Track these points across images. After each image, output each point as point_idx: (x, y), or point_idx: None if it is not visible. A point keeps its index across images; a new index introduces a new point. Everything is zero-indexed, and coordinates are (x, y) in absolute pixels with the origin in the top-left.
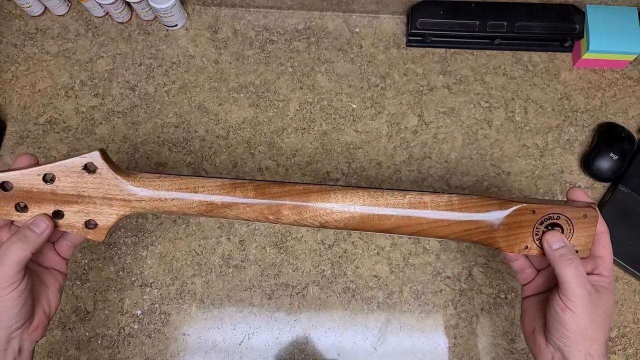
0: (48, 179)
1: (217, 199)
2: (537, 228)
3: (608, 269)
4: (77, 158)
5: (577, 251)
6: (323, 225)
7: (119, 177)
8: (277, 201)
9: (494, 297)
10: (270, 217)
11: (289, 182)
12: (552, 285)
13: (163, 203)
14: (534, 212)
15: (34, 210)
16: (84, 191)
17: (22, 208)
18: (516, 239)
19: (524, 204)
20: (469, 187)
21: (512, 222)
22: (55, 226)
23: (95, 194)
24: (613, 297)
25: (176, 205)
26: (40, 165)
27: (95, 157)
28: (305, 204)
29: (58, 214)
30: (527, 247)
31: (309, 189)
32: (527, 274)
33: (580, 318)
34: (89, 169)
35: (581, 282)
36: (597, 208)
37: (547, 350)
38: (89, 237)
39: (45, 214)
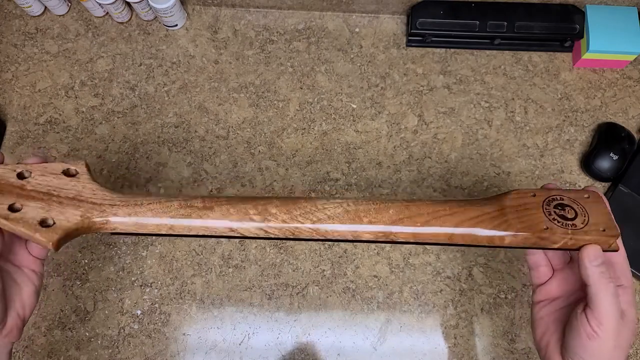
0: (23, 176)
1: (198, 201)
2: (546, 209)
3: (627, 277)
4: (60, 163)
5: (604, 230)
6: (316, 224)
7: (96, 183)
8: (264, 200)
9: (494, 297)
10: (258, 218)
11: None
12: (566, 292)
13: (139, 208)
14: (534, 195)
15: None
16: (54, 191)
17: None
18: (530, 219)
19: (521, 189)
20: (469, 187)
21: (517, 204)
22: (6, 219)
23: (64, 195)
24: (635, 313)
25: (152, 209)
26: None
27: (79, 166)
28: (293, 201)
29: (14, 209)
30: (547, 228)
31: (296, 196)
32: (541, 272)
33: (606, 344)
34: (69, 173)
35: (615, 306)
36: (595, 190)
37: None
38: (37, 235)
39: None
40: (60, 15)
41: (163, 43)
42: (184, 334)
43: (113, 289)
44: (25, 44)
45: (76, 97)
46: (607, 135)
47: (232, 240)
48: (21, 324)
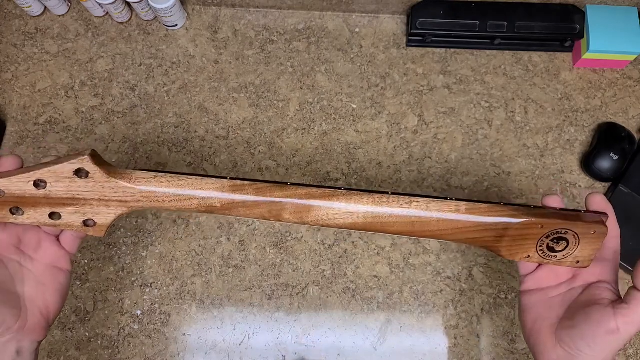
0: (39, 184)
1: (217, 202)
2: (542, 241)
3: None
4: (66, 164)
5: (578, 261)
6: (325, 226)
7: (112, 179)
8: (278, 205)
9: (494, 298)
10: (271, 219)
11: (290, 185)
12: (556, 282)
13: (160, 204)
14: (542, 226)
15: (30, 213)
16: (78, 194)
17: (17, 211)
18: (519, 249)
19: (533, 219)
20: (469, 187)
21: (519, 234)
22: (54, 226)
23: (90, 197)
24: None
25: (174, 207)
26: (28, 168)
27: (85, 162)
28: (307, 209)
29: (55, 215)
30: (528, 257)
31: (312, 194)
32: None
33: (620, 342)
34: (80, 173)
35: None
36: (605, 224)
37: (554, 351)
38: (89, 233)
39: None
40: (60, 15)
41: (163, 43)
42: (184, 334)
43: (113, 289)
44: (25, 44)
45: (76, 97)
46: (608, 136)
47: (232, 240)
48: (45, 323)
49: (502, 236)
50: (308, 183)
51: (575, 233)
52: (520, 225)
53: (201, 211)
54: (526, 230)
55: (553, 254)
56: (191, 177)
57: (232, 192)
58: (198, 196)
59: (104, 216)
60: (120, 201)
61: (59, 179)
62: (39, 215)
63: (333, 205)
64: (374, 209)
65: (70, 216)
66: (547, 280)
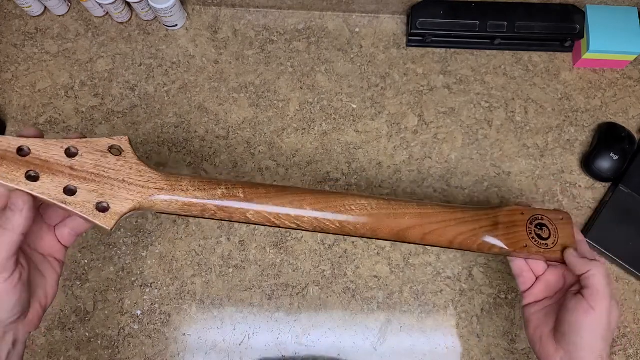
0: (70, 153)
1: (240, 192)
2: (529, 228)
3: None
4: (105, 138)
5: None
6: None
7: (142, 163)
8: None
9: (494, 298)
10: (291, 214)
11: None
12: (550, 292)
13: (184, 193)
14: (522, 213)
15: (45, 182)
16: (104, 171)
17: (32, 177)
18: (515, 237)
19: (514, 206)
20: (469, 187)
21: (508, 221)
22: (64, 203)
23: (114, 176)
24: (616, 296)
25: (197, 197)
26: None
27: (123, 141)
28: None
29: (70, 192)
30: (526, 246)
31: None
32: (525, 277)
33: (601, 320)
34: (114, 150)
35: (607, 280)
36: (567, 212)
37: (557, 355)
38: (97, 221)
39: (21, 191)
40: (60, 15)
41: (163, 43)
42: (184, 334)
43: (113, 289)
44: (25, 44)
45: (76, 97)
46: (608, 136)
47: (232, 240)
48: (42, 313)
49: (496, 224)
50: (307, 183)
51: (549, 219)
52: (506, 212)
53: (222, 206)
54: (512, 217)
55: (544, 242)
56: (217, 178)
57: (254, 184)
58: (222, 184)
59: (121, 202)
60: (143, 187)
61: (92, 151)
62: (53, 186)
63: (347, 200)
64: (387, 202)
65: (86, 194)
66: (543, 292)
